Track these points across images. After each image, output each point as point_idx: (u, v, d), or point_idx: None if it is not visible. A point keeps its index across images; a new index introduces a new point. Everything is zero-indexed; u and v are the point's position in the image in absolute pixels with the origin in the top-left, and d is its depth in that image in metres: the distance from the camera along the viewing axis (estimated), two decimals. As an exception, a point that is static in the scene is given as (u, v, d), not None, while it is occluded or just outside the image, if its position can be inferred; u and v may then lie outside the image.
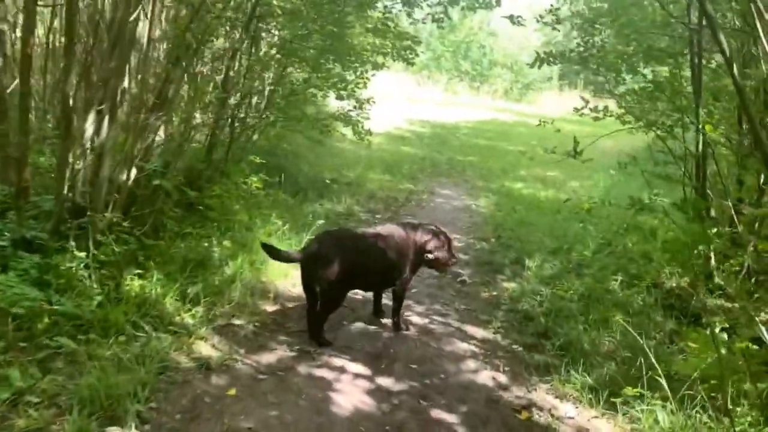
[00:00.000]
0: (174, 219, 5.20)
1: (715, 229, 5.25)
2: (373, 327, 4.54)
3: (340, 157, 10.33)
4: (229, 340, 4.07)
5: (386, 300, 4.78)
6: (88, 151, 4.68)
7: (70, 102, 4.25)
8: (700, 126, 5.49)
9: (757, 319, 3.64)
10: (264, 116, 7.77)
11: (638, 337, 4.08)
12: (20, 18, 4.97)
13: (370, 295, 4.81)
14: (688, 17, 5.88)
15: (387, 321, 4.61)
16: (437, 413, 3.45)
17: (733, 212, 4.73)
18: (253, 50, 7.30)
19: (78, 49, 4.45)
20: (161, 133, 6.13)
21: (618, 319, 4.76)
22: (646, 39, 6.62)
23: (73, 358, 3.45)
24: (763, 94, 5.04)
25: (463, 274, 5.82)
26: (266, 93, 8.11)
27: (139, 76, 4.96)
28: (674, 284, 5.72)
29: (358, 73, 7.83)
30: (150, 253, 4.69)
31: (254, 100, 8.85)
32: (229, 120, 7.12)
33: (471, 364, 4.10)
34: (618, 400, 3.56)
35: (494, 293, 5.43)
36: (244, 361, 3.83)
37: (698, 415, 3.30)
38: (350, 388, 3.63)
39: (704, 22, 5.52)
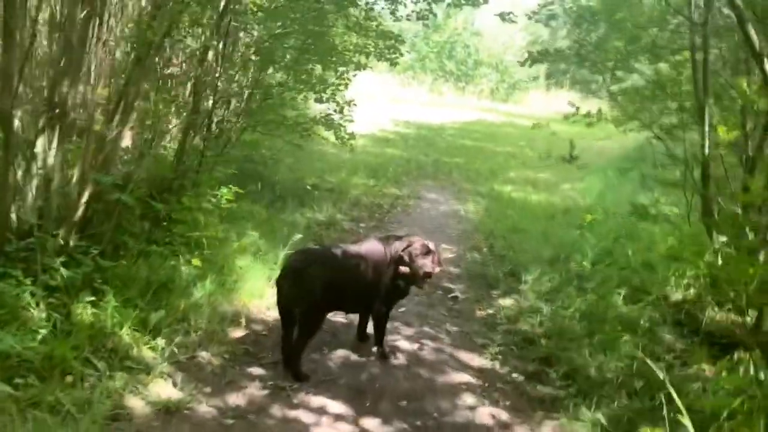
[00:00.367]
0: (136, 236, 4.70)
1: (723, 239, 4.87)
2: (356, 355, 4.08)
3: (322, 161, 9.86)
4: (194, 376, 3.60)
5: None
6: (37, 163, 4.20)
7: (11, 109, 3.75)
8: (707, 127, 5.13)
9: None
10: (240, 121, 7.29)
11: (653, 366, 3.69)
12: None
13: (353, 317, 4.37)
14: (689, 12, 5.50)
15: (373, 346, 4.16)
16: (431, 463, 3.02)
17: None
18: (227, 50, 6.82)
19: (19, 50, 3.95)
20: (128, 141, 5.68)
21: (625, 339, 4.38)
22: (645, 35, 6.24)
23: (3, 407, 2.96)
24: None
25: (455, 289, 5.39)
26: (243, 96, 7.63)
27: (93, 80, 4.47)
28: (680, 297, 5.34)
29: (339, 74, 7.36)
30: (107, 276, 4.20)
31: (231, 103, 8.38)
32: (202, 125, 6.64)
33: (467, 398, 3.65)
34: (635, 443, 3.15)
35: (489, 311, 5.00)
36: (209, 402, 3.37)
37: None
38: (331, 434, 3.18)
39: (709, 18, 5.15)
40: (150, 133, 5.12)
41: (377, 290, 4.01)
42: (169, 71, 5.96)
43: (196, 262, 4.75)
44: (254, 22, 6.72)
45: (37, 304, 3.66)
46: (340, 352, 4.10)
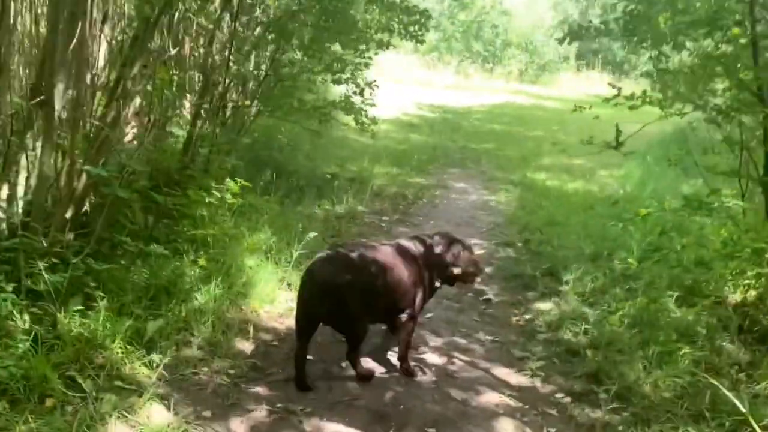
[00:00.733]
0: (136, 234, 4.27)
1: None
2: (378, 370, 3.59)
3: (343, 148, 9.35)
4: (192, 397, 3.16)
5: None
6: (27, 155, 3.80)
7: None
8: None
9: None
10: (255, 105, 6.82)
11: (719, 386, 3.17)
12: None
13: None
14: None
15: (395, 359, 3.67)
16: None
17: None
18: (238, 28, 6.34)
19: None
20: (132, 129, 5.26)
21: (684, 352, 3.83)
22: (701, 7, 5.57)
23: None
24: None
25: (488, 291, 4.87)
26: (256, 78, 7.15)
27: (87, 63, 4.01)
28: (739, 299, 4.76)
29: (359, 53, 6.82)
30: (102, 280, 3.78)
31: (245, 87, 7.92)
32: (213, 110, 6.19)
33: (506, 425, 3.15)
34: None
35: (527, 317, 4.47)
36: (208, 429, 2.92)
37: None
38: (346, 473, 2.71)
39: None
40: (154, 119, 4.65)
41: (410, 296, 3.59)
42: (174, 52, 5.50)
43: (202, 262, 4.31)
44: (268, -1, 6.23)
45: (21, 314, 3.26)
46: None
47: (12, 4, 3.75)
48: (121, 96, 4.21)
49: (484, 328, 4.26)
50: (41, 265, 3.39)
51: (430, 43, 21.69)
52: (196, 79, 6.23)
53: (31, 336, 3.11)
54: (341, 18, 6.39)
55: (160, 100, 4.90)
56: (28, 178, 3.94)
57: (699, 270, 5.24)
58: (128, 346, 3.35)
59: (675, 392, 3.52)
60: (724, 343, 4.08)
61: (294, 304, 4.23)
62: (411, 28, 6.90)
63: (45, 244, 3.51)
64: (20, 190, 3.90)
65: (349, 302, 3.29)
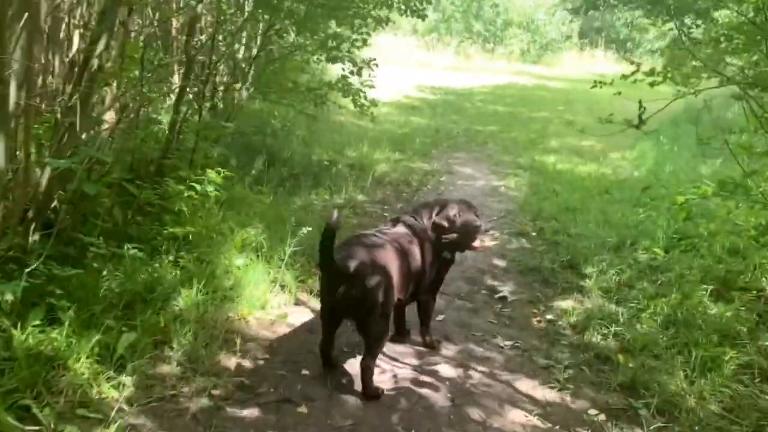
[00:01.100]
0: (110, 233, 3.80)
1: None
2: (383, 382, 3.14)
3: (341, 132, 8.84)
4: (168, 425, 2.71)
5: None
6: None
7: None
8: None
9: None
10: (245, 87, 6.32)
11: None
12: None
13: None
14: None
15: (410, 357, 3.22)
16: None
17: None
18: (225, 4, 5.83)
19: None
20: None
21: (730, 356, 3.39)
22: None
23: None
24: None
25: (503, 288, 4.41)
26: (246, 59, 6.65)
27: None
28: (778, 291, 4.32)
29: (356, 29, 6.29)
30: (70, 287, 3.32)
31: (234, 67, 7.42)
32: (199, 93, 5.70)
33: (534, 452, 2.71)
34: None
35: (548, 317, 4.01)
36: (186, 468, 2.48)
37: None
38: None
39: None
40: (126, 104, 4.16)
41: (425, 274, 3.41)
42: (154, 28, 5.01)
43: (184, 262, 3.86)
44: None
45: (-27, 330, 2.81)
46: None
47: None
48: (89, 79, 3.73)
49: (502, 331, 3.80)
50: (-9, 272, 2.94)
51: (429, 23, 21.04)
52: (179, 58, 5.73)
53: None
54: (336, -9, 5.89)
55: (134, 82, 4.41)
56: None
57: (732, 260, 4.80)
58: (96, 365, 2.91)
59: (724, 404, 3.09)
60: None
61: (288, 309, 3.81)
62: (412, 2, 6.38)
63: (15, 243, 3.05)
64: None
65: (377, 295, 2.97)
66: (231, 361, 3.23)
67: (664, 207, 4.62)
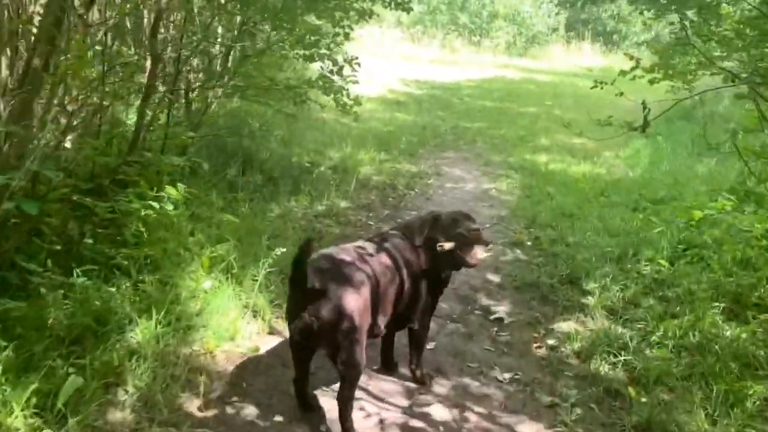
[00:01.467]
0: (60, 257, 3.37)
1: None
2: (368, 428, 2.76)
3: (323, 131, 8.39)
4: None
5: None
6: None
7: None
8: None
9: None
10: (219, 86, 5.87)
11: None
12: None
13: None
14: None
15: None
16: None
17: None
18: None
19: None
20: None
21: (754, 389, 3.05)
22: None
23: None
24: None
25: (499, 308, 4.04)
26: (216, 56, 6.21)
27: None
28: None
29: (337, 21, 5.86)
30: (7, 323, 2.90)
31: (210, 64, 6.97)
32: (169, 92, 5.26)
33: None
34: None
35: (549, 342, 3.65)
36: None
37: None
38: None
39: None
40: (75, 109, 3.72)
41: (417, 295, 3.01)
42: (113, 22, 4.54)
43: (145, 285, 3.44)
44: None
45: None
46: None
47: None
48: (30, 83, 3.29)
49: (500, 360, 3.44)
50: None
51: (414, 15, 20.55)
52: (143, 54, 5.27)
53: None
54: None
55: (91, 83, 3.96)
56: None
57: (743, 273, 4.47)
58: (34, 418, 2.49)
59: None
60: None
61: (261, 339, 3.41)
62: (397, -6, 5.96)
63: None
64: None
65: (352, 317, 2.57)
66: (194, 405, 2.82)
67: (678, 223, 4.24)
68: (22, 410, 2.46)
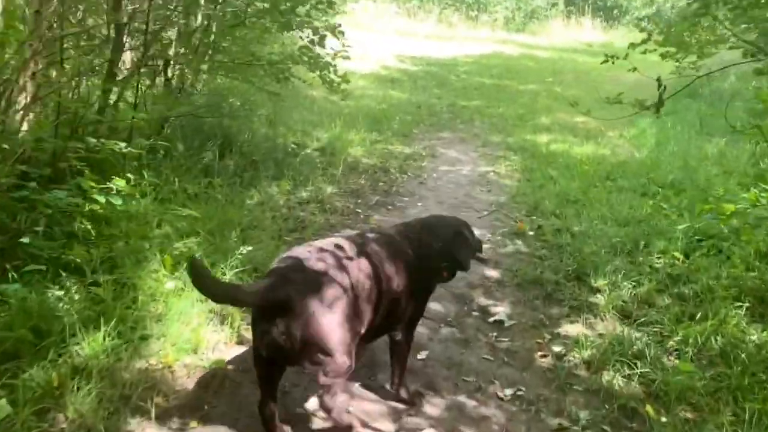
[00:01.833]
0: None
1: None
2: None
3: (311, 110, 7.92)
4: None
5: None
6: None
7: None
8: None
9: None
10: (191, 60, 5.40)
11: None
12: None
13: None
14: None
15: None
16: None
17: None
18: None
19: None
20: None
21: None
22: None
23: None
24: None
25: (498, 309, 3.64)
26: (185, 27, 5.71)
27: None
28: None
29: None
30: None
31: (188, 38, 6.46)
32: (136, 69, 4.79)
33: None
34: None
35: (555, 349, 3.25)
36: None
37: None
38: None
39: None
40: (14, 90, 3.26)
41: (404, 302, 2.57)
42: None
43: (97, 289, 3.02)
44: None
45: None
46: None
47: None
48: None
49: (500, 372, 3.04)
50: None
51: (409, -11, 19.96)
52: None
53: None
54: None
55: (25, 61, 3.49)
56: None
57: (766, 267, 4.08)
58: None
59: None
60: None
61: (228, 351, 3.00)
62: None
63: None
64: None
65: (328, 329, 2.15)
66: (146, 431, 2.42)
67: (707, 217, 3.81)
68: (-67, 448, 2.07)
